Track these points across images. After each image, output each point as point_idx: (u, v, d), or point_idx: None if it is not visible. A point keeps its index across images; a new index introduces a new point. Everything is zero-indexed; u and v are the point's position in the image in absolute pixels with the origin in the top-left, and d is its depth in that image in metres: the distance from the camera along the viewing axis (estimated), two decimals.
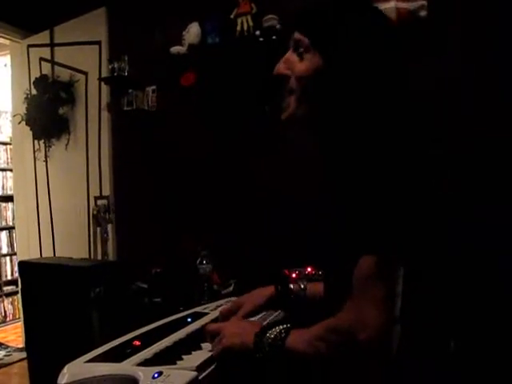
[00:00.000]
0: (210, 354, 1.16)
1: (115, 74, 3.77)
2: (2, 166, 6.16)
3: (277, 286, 1.48)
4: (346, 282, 1.00)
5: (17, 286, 5.65)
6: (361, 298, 0.96)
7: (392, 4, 2.68)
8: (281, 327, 1.08)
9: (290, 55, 1.18)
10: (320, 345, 1.00)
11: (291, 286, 1.47)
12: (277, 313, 1.47)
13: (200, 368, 1.08)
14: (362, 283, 0.96)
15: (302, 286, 1.45)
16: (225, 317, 1.42)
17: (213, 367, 1.12)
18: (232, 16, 3.24)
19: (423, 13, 2.67)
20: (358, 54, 1.10)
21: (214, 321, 1.47)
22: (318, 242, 1.21)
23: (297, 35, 1.16)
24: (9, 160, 6.09)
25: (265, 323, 1.36)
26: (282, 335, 1.05)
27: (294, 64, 1.16)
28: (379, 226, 0.96)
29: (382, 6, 2.62)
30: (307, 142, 1.38)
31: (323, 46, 1.12)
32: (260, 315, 1.45)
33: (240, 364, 1.14)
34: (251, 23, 3.17)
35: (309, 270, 2.75)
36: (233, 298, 1.84)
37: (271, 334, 1.07)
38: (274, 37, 3.05)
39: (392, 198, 0.97)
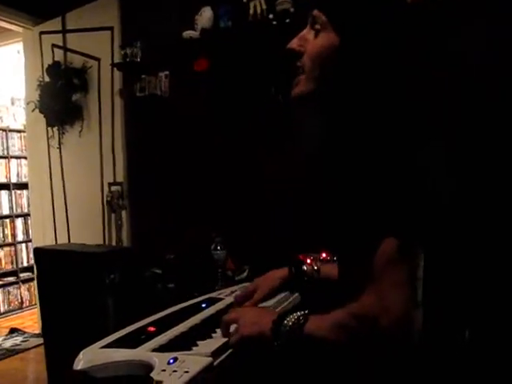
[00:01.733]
0: (224, 339, 1.15)
1: (128, 60, 3.77)
2: (17, 154, 6.19)
3: (290, 267, 1.47)
4: (364, 266, 0.98)
5: (33, 273, 5.70)
6: (382, 283, 0.94)
7: None
8: (298, 314, 1.05)
9: (307, 32, 1.16)
10: (341, 331, 0.99)
11: (304, 268, 1.45)
12: (293, 296, 1.46)
13: (215, 354, 1.07)
14: (383, 267, 0.95)
15: (316, 268, 1.44)
16: (239, 303, 1.41)
17: (228, 353, 1.12)
18: (245, 0, 3.20)
19: None
20: (375, 34, 1.09)
21: (229, 306, 1.46)
22: (332, 225, 1.20)
23: (315, 12, 1.14)
24: (23, 147, 6.12)
25: (280, 309, 1.35)
26: (301, 321, 1.03)
27: (308, 41, 1.15)
28: (401, 209, 0.94)
29: None
30: (317, 122, 1.36)
31: (341, 25, 1.10)
32: (276, 299, 1.44)
33: (258, 352, 1.13)
34: (264, 6, 3.14)
35: (323, 255, 2.74)
36: (247, 284, 1.83)
37: (289, 321, 1.05)
38: (287, 20, 3.02)
39: (413, 180, 0.95)
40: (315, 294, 1.44)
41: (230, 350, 1.12)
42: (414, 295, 0.93)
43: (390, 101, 1.07)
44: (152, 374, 0.98)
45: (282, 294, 1.47)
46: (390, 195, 0.96)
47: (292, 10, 3.03)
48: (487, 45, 2.55)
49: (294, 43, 1.17)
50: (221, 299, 1.57)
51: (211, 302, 1.54)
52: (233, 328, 1.16)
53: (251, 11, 3.17)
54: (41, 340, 3.88)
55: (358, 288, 1.00)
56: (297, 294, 1.48)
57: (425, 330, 0.94)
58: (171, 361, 1.01)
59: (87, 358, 1.11)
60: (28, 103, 4.40)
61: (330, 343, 1.00)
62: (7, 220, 6.07)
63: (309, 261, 2.65)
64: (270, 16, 3.10)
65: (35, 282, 4.48)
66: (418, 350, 0.94)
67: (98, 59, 4.05)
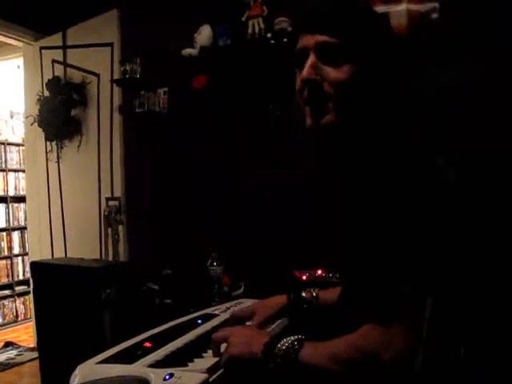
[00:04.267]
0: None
1: (127, 76, 3.79)
2: (15, 167, 6.20)
3: (289, 294, 1.47)
4: (374, 299, 0.99)
5: (28, 286, 5.68)
6: (392, 320, 0.95)
7: (403, 6, 2.68)
8: (293, 338, 1.04)
9: (316, 61, 1.12)
10: (339, 361, 0.98)
11: (303, 295, 1.46)
12: (279, 321, 1.46)
13: (211, 370, 1.08)
14: (394, 306, 0.95)
15: (314, 294, 1.44)
16: (235, 322, 1.41)
17: (223, 370, 1.13)
18: (243, 19, 3.24)
19: (435, 15, 2.66)
20: (389, 58, 1.12)
21: (225, 322, 1.48)
22: (339, 252, 1.20)
23: (326, 38, 1.10)
24: (21, 161, 6.13)
25: (269, 330, 1.36)
26: (295, 347, 1.02)
27: (325, 70, 1.11)
28: (418, 256, 0.95)
29: (393, 9, 2.63)
30: (329, 149, 1.32)
31: (361, 53, 1.10)
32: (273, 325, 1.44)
33: (247, 373, 1.12)
34: (262, 26, 3.18)
35: (319, 272, 2.76)
36: (243, 300, 1.84)
37: (282, 345, 1.03)
38: (285, 39, 3.05)
39: (425, 221, 0.96)
40: (314, 320, 1.44)
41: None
42: (419, 335, 0.93)
43: (408, 129, 1.10)
44: None
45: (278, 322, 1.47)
46: (408, 237, 0.96)
47: (290, 29, 3.07)
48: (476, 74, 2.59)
49: (310, 73, 1.12)
50: (216, 315, 1.59)
51: (207, 318, 1.55)
52: (223, 347, 1.15)
53: (249, 30, 3.21)
54: (35, 354, 3.87)
55: (360, 317, 1.01)
56: (282, 320, 1.48)
57: (428, 356, 0.95)
58: (167, 377, 1.02)
59: (83, 373, 1.12)
60: (27, 117, 4.43)
61: (326, 372, 0.99)
62: (4, 233, 6.06)
63: (304, 277, 2.67)
64: (268, 35, 3.13)
65: (31, 295, 4.48)
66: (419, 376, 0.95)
67: (97, 75, 4.08)
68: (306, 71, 1.12)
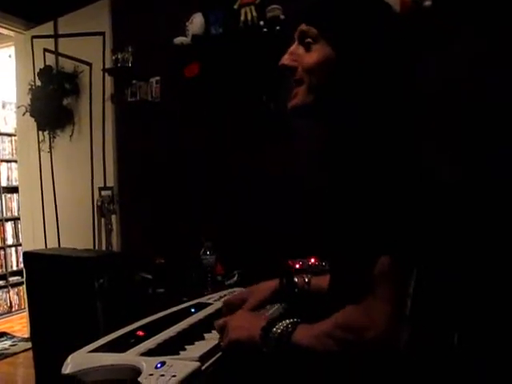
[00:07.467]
0: (212, 344, 1.16)
1: (119, 65, 3.78)
2: (7, 158, 6.17)
3: (281, 279, 1.48)
4: (356, 279, 1.00)
5: (22, 277, 5.67)
6: (373, 297, 0.96)
7: None
8: (287, 321, 1.07)
9: (296, 47, 1.16)
10: (328, 341, 1.00)
11: (296, 280, 1.46)
12: (276, 306, 1.47)
13: (203, 358, 1.09)
14: (375, 283, 0.96)
15: (307, 280, 1.45)
16: (228, 309, 1.42)
17: (215, 358, 1.13)
18: (235, 6, 3.22)
19: (428, 2, 2.64)
20: (369, 43, 1.10)
21: (218, 311, 1.48)
22: (326, 236, 1.20)
23: (303, 27, 1.14)
24: (14, 151, 6.10)
25: (268, 314, 1.36)
26: (289, 330, 1.05)
27: (300, 56, 1.15)
28: (395, 227, 0.96)
29: None
30: (313, 132, 1.35)
31: (334, 37, 1.11)
32: (263, 310, 1.45)
33: (246, 357, 1.14)
34: (255, 13, 3.15)
35: (312, 260, 2.75)
36: (237, 289, 1.84)
37: (278, 328, 1.06)
38: (277, 27, 3.04)
39: (408, 198, 0.97)
40: (305, 305, 1.45)
41: (217, 355, 1.14)
42: (402, 311, 0.94)
43: (392, 114, 1.09)
44: (139, 379, 0.99)
45: (270, 306, 1.47)
46: (385, 212, 0.97)
47: (282, 17, 3.05)
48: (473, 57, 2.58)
49: (286, 59, 1.17)
50: (209, 304, 1.58)
51: (200, 306, 1.55)
52: (224, 332, 1.17)
53: (242, 18, 3.19)
54: (30, 344, 3.87)
55: (347, 299, 1.02)
56: (279, 305, 1.48)
57: (414, 335, 0.96)
58: (159, 365, 1.03)
59: (75, 362, 1.12)
60: (19, 107, 4.40)
61: (317, 352, 1.01)
62: None
63: (297, 266, 2.66)
64: (261, 23, 3.12)
65: (24, 285, 4.48)
66: (407, 355, 0.96)
67: (89, 64, 4.05)
68: (283, 57, 1.17)
